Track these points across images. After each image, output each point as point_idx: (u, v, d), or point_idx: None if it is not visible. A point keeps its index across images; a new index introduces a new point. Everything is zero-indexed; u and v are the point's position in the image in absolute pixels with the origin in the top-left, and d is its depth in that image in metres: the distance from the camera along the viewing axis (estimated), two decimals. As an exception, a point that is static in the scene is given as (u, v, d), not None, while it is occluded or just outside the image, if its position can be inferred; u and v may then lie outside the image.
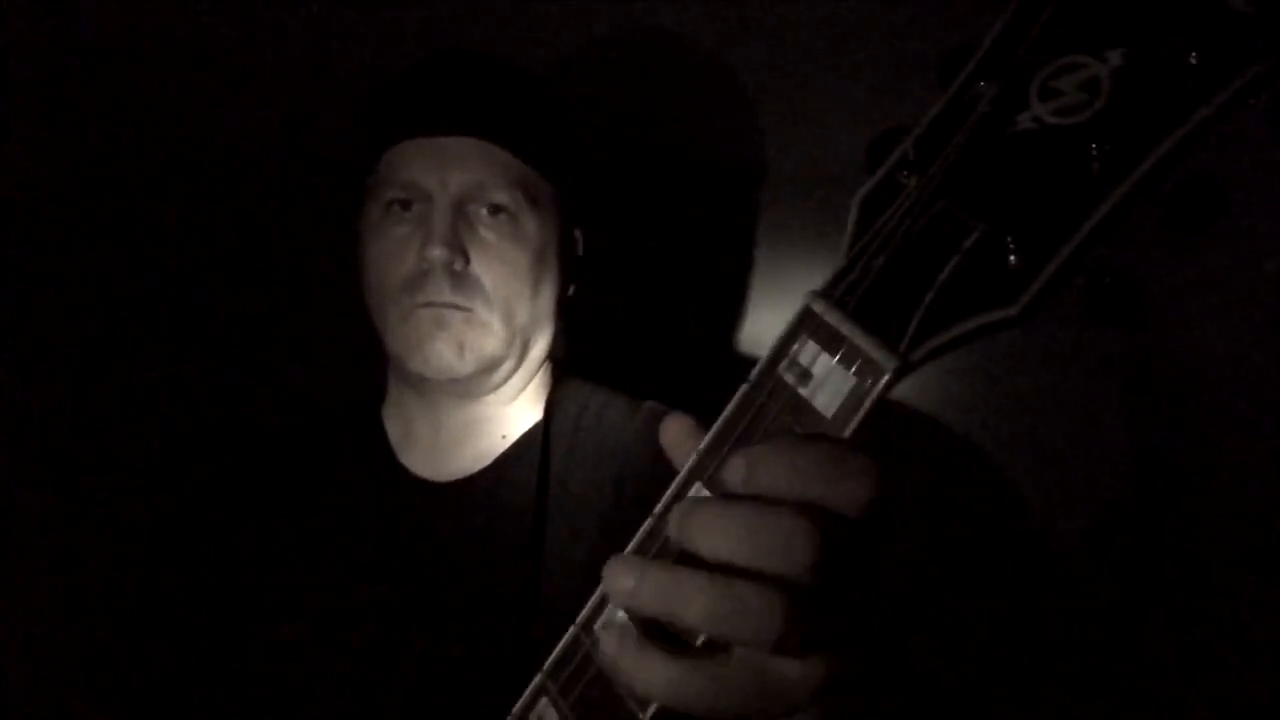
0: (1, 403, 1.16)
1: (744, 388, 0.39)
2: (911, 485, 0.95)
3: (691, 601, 0.34)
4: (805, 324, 0.38)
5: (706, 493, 0.39)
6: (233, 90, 1.13)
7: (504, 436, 0.85)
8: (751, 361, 0.39)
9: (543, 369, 0.89)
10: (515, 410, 0.86)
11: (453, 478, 0.83)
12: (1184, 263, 0.87)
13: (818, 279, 0.39)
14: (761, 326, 1.07)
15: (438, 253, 0.75)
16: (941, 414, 1.03)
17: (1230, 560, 0.96)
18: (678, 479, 0.40)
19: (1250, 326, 0.94)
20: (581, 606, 0.43)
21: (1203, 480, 0.97)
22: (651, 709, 0.38)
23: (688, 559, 0.36)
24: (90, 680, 0.82)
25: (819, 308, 0.37)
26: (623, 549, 0.42)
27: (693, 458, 0.40)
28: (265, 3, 1.11)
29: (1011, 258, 0.35)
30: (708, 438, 0.40)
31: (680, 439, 0.41)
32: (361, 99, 0.83)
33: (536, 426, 0.85)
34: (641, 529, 0.41)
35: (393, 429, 0.87)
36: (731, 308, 1.09)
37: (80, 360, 1.18)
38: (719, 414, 0.41)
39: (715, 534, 0.35)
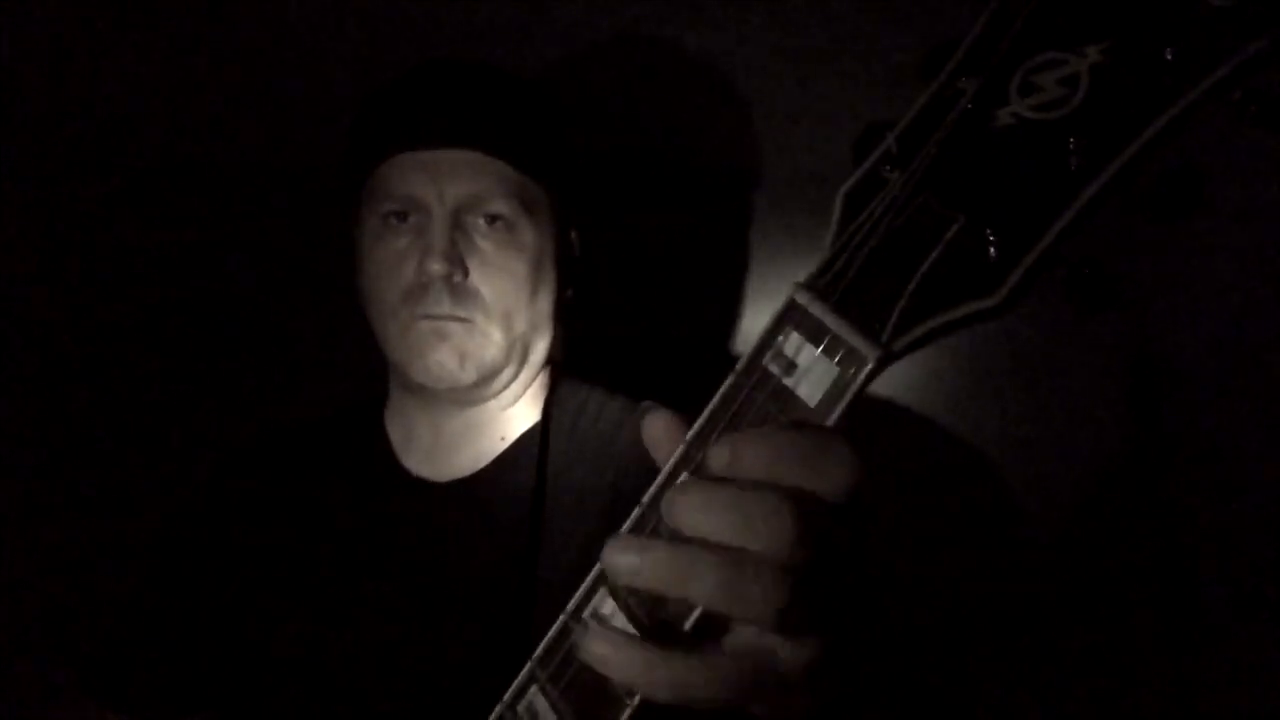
0: (3, 404, 1.17)
1: (730, 378, 0.40)
2: (904, 479, 0.96)
3: (698, 576, 0.34)
4: (790, 316, 0.38)
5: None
6: (235, 89, 1.14)
7: (503, 438, 0.86)
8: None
9: (541, 372, 0.90)
10: (514, 413, 0.87)
11: (452, 478, 0.84)
12: (1170, 253, 0.88)
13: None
14: (756, 326, 1.07)
15: (437, 267, 0.75)
16: (931, 406, 1.03)
17: (1224, 552, 0.96)
18: (665, 468, 0.41)
19: (1234, 314, 0.95)
20: None
21: (1194, 470, 0.97)
22: (640, 695, 0.39)
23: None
24: (92, 675, 0.83)
25: (803, 299, 0.38)
26: None
27: (680, 448, 0.40)
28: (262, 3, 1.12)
29: (991, 250, 0.35)
30: (694, 428, 0.40)
31: (663, 435, 0.41)
32: (358, 99, 0.84)
33: (535, 428, 0.86)
34: (631, 517, 0.42)
35: (394, 431, 0.88)
36: (727, 308, 1.10)
37: (83, 365, 1.19)
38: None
39: (699, 513, 0.35)
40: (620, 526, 0.79)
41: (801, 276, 0.40)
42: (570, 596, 0.77)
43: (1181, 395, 0.97)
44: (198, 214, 1.18)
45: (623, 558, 0.36)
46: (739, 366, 0.40)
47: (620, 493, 0.80)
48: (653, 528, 0.40)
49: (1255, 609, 0.94)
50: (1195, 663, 0.96)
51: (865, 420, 0.38)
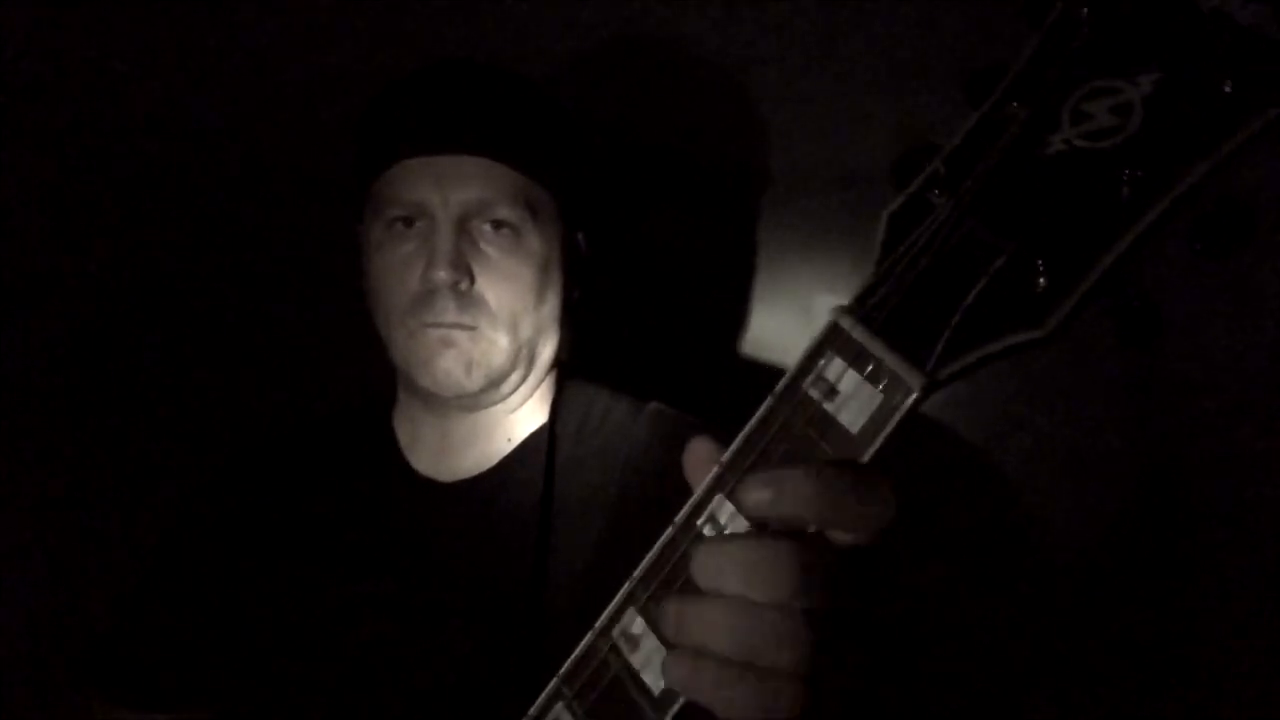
0: (6, 403, 1.16)
1: (768, 401, 0.40)
2: (916, 491, 0.96)
3: (718, 630, 0.36)
4: (832, 340, 0.38)
5: (728, 504, 0.39)
6: (243, 88, 1.13)
7: (509, 440, 0.85)
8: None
9: (548, 374, 0.89)
10: (521, 415, 0.87)
11: (459, 478, 0.83)
12: (1195, 274, 0.88)
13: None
14: (765, 329, 1.07)
15: (442, 274, 0.75)
16: (945, 418, 1.03)
17: (1233, 567, 0.96)
18: (699, 490, 0.41)
19: (1257, 335, 0.95)
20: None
21: (1207, 487, 0.98)
22: (669, 715, 0.39)
23: None
24: (96, 669, 0.82)
25: (846, 324, 0.38)
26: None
27: (715, 469, 0.40)
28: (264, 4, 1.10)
29: (1040, 279, 0.35)
30: (731, 450, 0.40)
31: (703, 464, 0.41)
32: (363, 99, 0.82)
33: (541, 429, 0.86)
34: (661, 539, 0.41)
35: (401, 431, 0.88)
36: (736, 310, 1.09)
37: (90, 365, 1.18)
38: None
39: (713, 571, 0.37)
40: (628, 527, 0.79)
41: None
42: (579, 597, 0.77)
43: (1200, 418, 0.98)
44: (204, 215, 1.16)
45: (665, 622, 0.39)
46: (778, 389, 0.39)
47: (627, 493, 0.80)
48: (684, 551, 0.40)
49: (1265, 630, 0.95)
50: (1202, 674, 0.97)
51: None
